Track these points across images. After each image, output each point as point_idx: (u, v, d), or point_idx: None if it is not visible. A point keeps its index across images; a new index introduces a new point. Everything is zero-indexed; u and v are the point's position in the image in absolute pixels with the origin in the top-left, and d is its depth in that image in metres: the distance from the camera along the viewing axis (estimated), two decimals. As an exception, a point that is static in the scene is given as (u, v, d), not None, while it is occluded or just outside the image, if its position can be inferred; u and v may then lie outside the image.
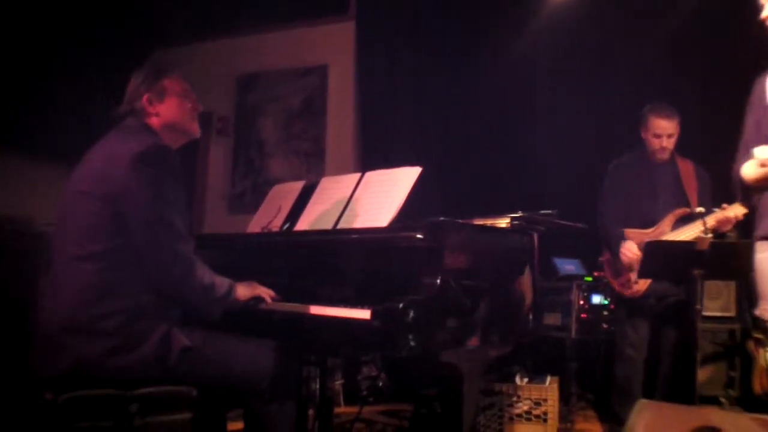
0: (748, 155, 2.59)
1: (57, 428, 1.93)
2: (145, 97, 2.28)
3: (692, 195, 3.63)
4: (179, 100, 2.35)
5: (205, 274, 2.17)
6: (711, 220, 3.24)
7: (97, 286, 2.03)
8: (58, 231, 2.19)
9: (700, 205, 3.39)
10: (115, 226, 2.07)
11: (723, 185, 3.19)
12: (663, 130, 3.64)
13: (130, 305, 2.04)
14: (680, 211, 3.57)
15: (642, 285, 3.60)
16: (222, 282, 2.24)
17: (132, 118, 2.30)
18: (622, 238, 3.64)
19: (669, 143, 3.66)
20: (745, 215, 3.18)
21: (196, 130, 2.43)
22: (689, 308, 3.42)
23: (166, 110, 2.32)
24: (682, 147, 3.80)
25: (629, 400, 3.54)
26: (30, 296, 3.66)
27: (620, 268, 3.67)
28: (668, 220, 3.58)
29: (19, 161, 5.19)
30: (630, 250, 3.58)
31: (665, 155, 3.70)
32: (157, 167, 2.11)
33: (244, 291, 2.32)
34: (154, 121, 2.31)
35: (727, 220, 3.27)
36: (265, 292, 2.40)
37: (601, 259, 3.98)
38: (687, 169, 3.70)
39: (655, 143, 3.67)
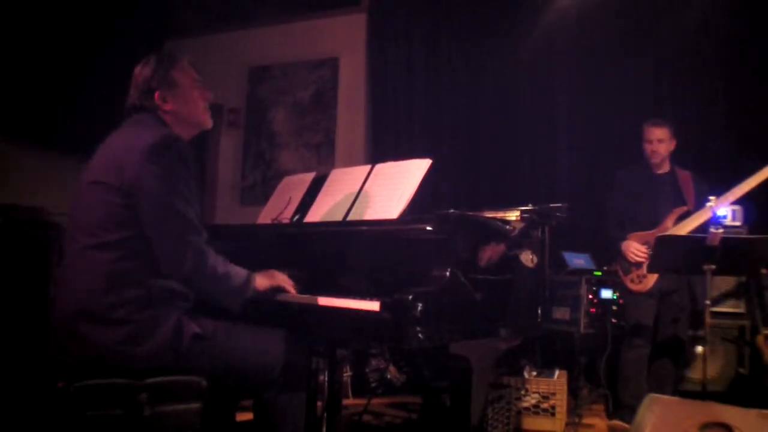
0: None
1: (69, 417, 1.94)
2: (156, 93, 2.26)
3: (690, 200, 3.89)
4: (190, 92, 2.33)
5: (218, 264, 2.15)
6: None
7: (110, 275, 2.03)
8: (71, 221, 2.20)
9: (696, 209, 3.74)
10: (129, 216, 2.07)
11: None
12: (653, 136, 3.99)
13: (143, 293, 2.05)
14: (680, 210, 3.84)
15: (649, 281, 3.85)
16: (239, 272, 2.21)
17: (144, 113, 2.27)
18: (623, 239, 3.94)
19: (659, 148, 3.99)
20: None
21: (208, 121, 2.41)
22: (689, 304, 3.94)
23: (179, 104, 2.30)
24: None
25: (636, 387, 3.83)
26: (44, 285, 3.69)
27: (628, 266, 3.94)
28: (670, 219, 3.84)
29: (33, 153, 5.22)
30: (632, 248, 3.89)
31: (657, 159, 4.02)
32: (170, 158, 2.10)
33: (262, 281, 2.28)
34: (166, 116, 2.29)
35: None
36: (285, 281, 2.35)
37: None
38: (685, 177, 4.00)
39: (648, 148, 4.03)
